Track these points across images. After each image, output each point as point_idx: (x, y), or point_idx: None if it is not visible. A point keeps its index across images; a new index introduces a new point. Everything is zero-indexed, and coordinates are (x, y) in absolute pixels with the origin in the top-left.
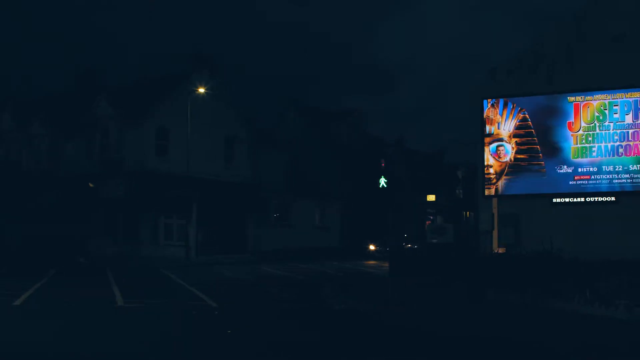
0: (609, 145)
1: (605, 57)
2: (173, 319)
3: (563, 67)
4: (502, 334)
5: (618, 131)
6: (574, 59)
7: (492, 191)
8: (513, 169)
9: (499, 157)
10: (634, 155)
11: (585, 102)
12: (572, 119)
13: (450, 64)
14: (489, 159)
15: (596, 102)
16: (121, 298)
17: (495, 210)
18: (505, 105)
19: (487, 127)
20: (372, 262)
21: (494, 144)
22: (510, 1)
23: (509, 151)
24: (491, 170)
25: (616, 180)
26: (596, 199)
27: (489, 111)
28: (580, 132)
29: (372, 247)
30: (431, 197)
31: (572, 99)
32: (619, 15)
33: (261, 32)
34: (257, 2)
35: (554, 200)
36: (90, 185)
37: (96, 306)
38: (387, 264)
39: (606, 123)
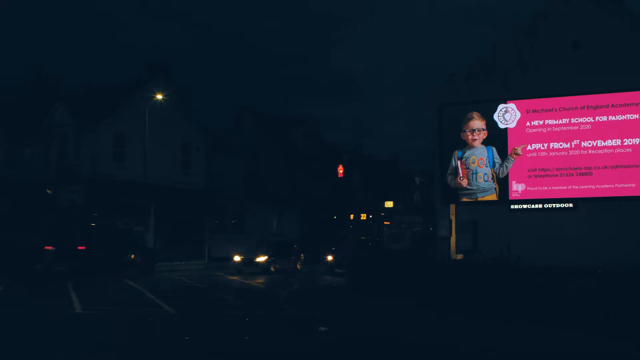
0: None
1: (563, 63)
2: (131, 326)
3: (519, 73)
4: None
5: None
6: (531, 65)
7: (450, 197)
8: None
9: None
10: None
11: None
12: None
13: (412, 73)
14: (452, 164)
15: None
16: (79, 305)
17: (453, 217)
18: (463, 111)
19: (445, 133)
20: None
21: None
22: (472, 10)
23: None
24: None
25: (575, 186)
26: (554, 205)
27: (445, 117)
28: None
29: (329, 258)
30: (389, 204)
31: None
32: (576, 21)
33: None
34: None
35: (512, 206)
36: (48, 191)
37: (54, 313)
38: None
39: None
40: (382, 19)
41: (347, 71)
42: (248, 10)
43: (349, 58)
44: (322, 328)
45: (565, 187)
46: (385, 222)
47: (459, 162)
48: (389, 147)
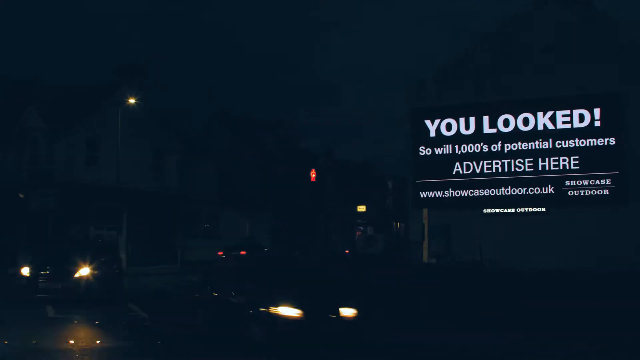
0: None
1: (535, 68)
2: (104, 330)
3: (490, 78)
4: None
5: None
6: (502, 70)
7: (423, 202)
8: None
9: None
10: (563, 166)
11: None
12: None
13: (391, 78)
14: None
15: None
16: (52, 309)
17: (425, 221)
18: (434, 115)
19: (417, 138)
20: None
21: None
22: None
23: None
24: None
25: (547, 191)
26: (526, 209)
27: (417, 122)
28: None
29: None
30: (361, 208)
31: None
32: (548, 26)
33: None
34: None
35: (485, 210)
36: (21, 195)
37: (27, 317)
38: None
39: None
40: (364, 25)
41: (327, 76)
42: (227, 14)
43: (330, 63)
44: None
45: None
46: (359, 227)
47: None
48: (365, 152)
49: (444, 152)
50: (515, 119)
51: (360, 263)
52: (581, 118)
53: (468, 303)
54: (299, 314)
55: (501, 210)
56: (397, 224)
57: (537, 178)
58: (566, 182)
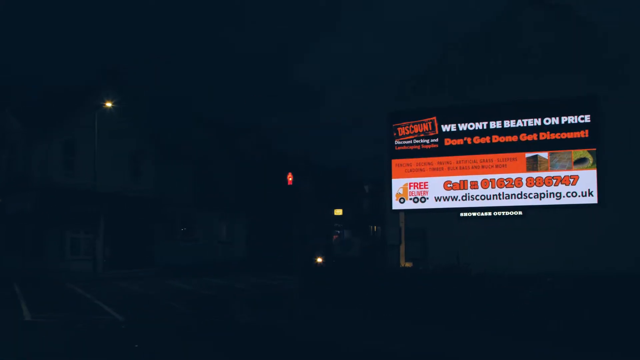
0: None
1: (514, 72)
2: (80, 333)
3: (469, 82)
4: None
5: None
6: (480, 74)
7: (399, 205)
8: None
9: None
10: (541, 169)
11: None
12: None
13: (371, 83)
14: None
15: None
16: (29, 313)
17: (402, 224)
18: (411, 120)
19: (393, 142)
20: (278, 275)
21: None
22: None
23: None
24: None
25: (523, 194)
26: (503, 213)
27: (394, 126)
28: None
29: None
30: (338, 212)
31: None
32: (527, 30)
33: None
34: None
35: (461, 214)
36: None
37: (3, 321)
38: (292, 278)
39: None
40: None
41: (307, 81)
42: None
43: (310, 68)
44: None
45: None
46: (335, 230)
47: None
48: (344, 156)
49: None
50: (488, 123)
51: (335, 266)
52: (558, 122)
53: (436, 306)
54: None
55: (478, 213)
56: (374, 228)
57: (513, 182)
58: (543, 185)
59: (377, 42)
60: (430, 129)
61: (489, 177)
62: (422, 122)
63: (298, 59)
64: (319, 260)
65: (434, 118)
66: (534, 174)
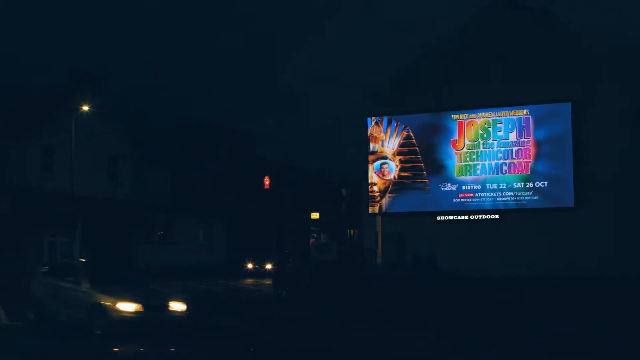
0: (493, 163)
1: (490, 74)
2: (59, 336)
3: (447, 84)
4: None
5: (502, 149)
6: (457, 76)
7: (376, 209)
8: (397, 186)
9: (383, 175)
10: (517, 173)
11: (469, 120)
12: (456, 137)
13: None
14: (373, 177)
15: (480, 119)
16: (5, 317)
17: (379, 228)
18: (390, 123)
19: (372, 145)
20: (251, 280)
21: (378, 162)
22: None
23: (393, 169)
24: (375, 188)
25: (500, 198)
26: (480, 216)
27: (372, 129)
28: (465, 150)
29: (249, 266)
30: (315, 215)
31: (456, 117)
32: (502, 32)
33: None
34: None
35: (438, 218)
36: None
37: None
38: (267, 282)
39: (490, 141)
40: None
41: (288, 85)
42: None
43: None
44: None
45: (491, 199)
46: (312, 234)
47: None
48: (323, 160)
49: None
50: (464, 126)
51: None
52: (532, 124)
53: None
54: None
55: (454, 217)
56: (351, 231)
57: (492, 186)
58: (519, 190)
59: (360, 45)
60: (406, 137)
61: (466, 180)
62: (398, 128)
63: (281, 62)
64: (250, 266)
65: (409, 127)
66: (511, 177)
